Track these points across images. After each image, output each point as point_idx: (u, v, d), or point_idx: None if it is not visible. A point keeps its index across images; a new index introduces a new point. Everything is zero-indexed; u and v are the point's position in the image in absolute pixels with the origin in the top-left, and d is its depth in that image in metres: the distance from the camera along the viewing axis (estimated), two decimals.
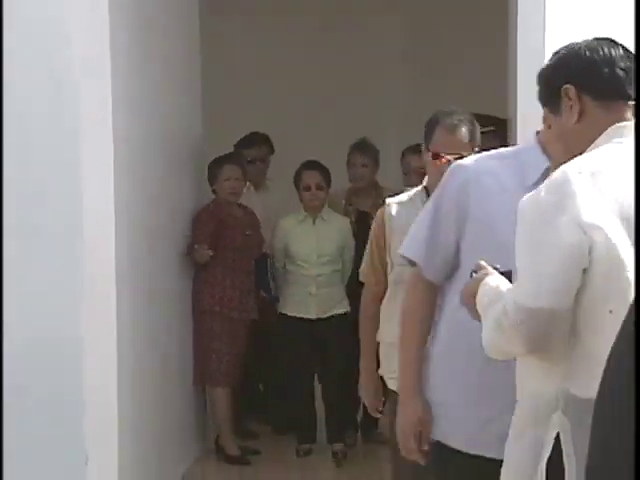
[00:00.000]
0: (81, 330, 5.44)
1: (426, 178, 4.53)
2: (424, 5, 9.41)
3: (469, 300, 3.19)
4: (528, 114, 4.81)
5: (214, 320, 6.65)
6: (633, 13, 3.89)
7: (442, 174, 4.07)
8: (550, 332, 2.86)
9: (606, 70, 2.97)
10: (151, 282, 6.05)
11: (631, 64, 3.05)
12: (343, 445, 6.60)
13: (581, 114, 2.93)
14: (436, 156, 4.35)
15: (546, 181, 2.89)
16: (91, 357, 5.48)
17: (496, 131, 6.09)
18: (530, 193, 2.93)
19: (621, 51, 3.02)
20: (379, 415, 4.59)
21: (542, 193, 2.86)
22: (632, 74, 2.99)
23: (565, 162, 3.02)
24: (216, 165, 6.73)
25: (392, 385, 4.32)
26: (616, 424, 2.24)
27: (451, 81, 8.58)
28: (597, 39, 3.11)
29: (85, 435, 5.44)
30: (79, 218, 5.45)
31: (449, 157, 4.24)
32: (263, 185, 7.47)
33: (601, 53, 3.03)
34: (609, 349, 2.57)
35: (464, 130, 4.35)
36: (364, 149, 6.92)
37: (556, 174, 2.88)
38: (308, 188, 6.62)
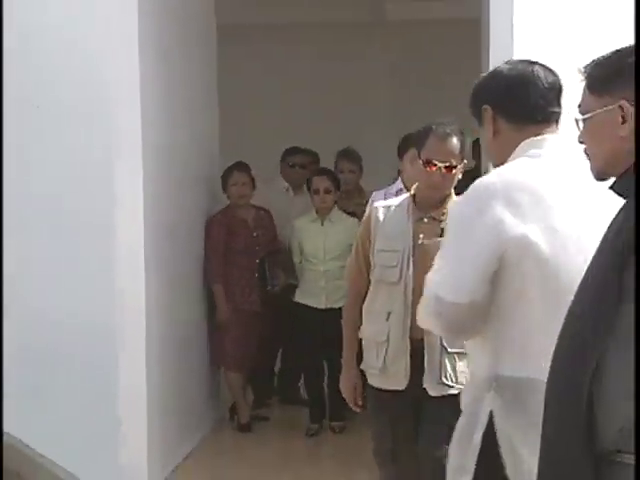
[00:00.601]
0: (116, 316, 5.52)
1: (415, 185, 4.43)
2: (410, 31, 9.16)
3: None
4: None
5: (233, 311, 6.68)
6: (633, 13, 3.58)
7: (432, 181, 4.22)
8: (466, 322, 2.85)
9: (520, 95, 2.93)
10: (174, 275, 6.12)
11: (555, 84, 2.99)
12: (342, 423, 6.58)
13: (495, 132, 2.92)
14: (427, 163, 4.23)
15: (467, 190, 2.88)
16: (124, 338, 5.55)
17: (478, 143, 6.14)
18: (457, 200, 3.01)
19: (542, 74, 2.97)
20: (359, 409, 4.34)
21: (464, 200, 2.87)
22: (555, 93, 2.94)
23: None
24: (226, 173, 6.75)
25: (372, 380, 4.21)
26: (564, 402, 2.29)
27: (434, 95, 8.19)
28: (520, 61, 3.07)
29: (119, 402, 5.53)
30: (112, 225, 5.55)
31: (440, 164, 4.17)
32: (303, 189, 7.26)
33: (518, 79, 2.97)
34: (527, 336, 2.79)
35: (455, 140, 4.20)
36: (350, 156, 6.85)
37: (475, 184, 2.87)
38: (318, 192, 6.52)
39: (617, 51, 2.46)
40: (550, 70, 3.07)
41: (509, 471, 2.80)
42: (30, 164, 6.27)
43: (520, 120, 2.93)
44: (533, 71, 2.94)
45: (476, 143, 5.72)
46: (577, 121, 2.51)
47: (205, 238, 6.69)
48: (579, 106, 2.51)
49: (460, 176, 4.26)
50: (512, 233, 2.70)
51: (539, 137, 2.90)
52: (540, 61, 3.11)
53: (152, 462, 5.67)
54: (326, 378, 6.86)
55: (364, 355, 4.13)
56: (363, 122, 7.59)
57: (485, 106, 2.89)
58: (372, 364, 4.11)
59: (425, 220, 4.20)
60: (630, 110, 2.32)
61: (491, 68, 5.14)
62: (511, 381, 2.80)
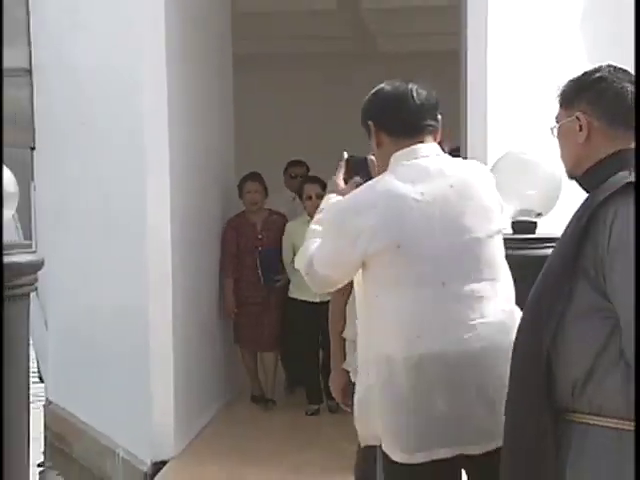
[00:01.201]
0: (149, 302, 5.56)
1: None
2: (401, 57, 8.98)
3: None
4: (475, 144, 5.01)
5: (239, 303, 6.65)
6: (633, 13, 3.55)
7: None
8: (325, 286, 3.11)
9: (396, 112, 2.94)
10: (196, 267, 6.15)
11: (428, 101, 3.00)
12: (337, 402, 6.52)
13: (379, 145, 2.96)
14: None
15: (352, 191, 3.00)
16: (155, 321, 5.58)
17: (452, 155, 6.04)
18: (346, 196, 3.01)
19: (415, 92, 2.96)
20: (348, 409, 3.92)
21: (349, 199, 2.94)
22: (427, 108, 2.95)
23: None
24: (241, 182, 6.73)
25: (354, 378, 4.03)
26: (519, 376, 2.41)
27: None
28: (400, 82, 3.03)
29: (150, 376, 5.57)
30: (145, 227, 5.59)
31: None
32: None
33: (394, 97, 2.97)
34: (383, 325, 2.82)
35: None
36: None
37: (357, 189, 2.96)
38: (310, 197, 6.38)
39: (584, 72, 2.52)
40: (425, 89, 3.07)
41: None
42: (82, 176, 6.41)
43: (396, 134, 2.96)
44: (407, 90, 2.95)
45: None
46: (552, 129, 2.57)
47: (221, 239, 6.68)
48: (555, 118, 2.57)
49: None
50: (380, 239, 2.76)
51: (409, 148, 2.91)
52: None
53: (178, 429, 5.68)
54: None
55: (346, 356, 3.96)
56: (356, 137, 7.57)
57: (369, 122, 2.93)
58: (352, 364, 3.94)
59: None
60: (585, 121, 2.41)
61: (469, 96, 5.14)
62: (393, 360, 2.80)
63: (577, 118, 2.44)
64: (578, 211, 2.41)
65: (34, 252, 3.90)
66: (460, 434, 2.75)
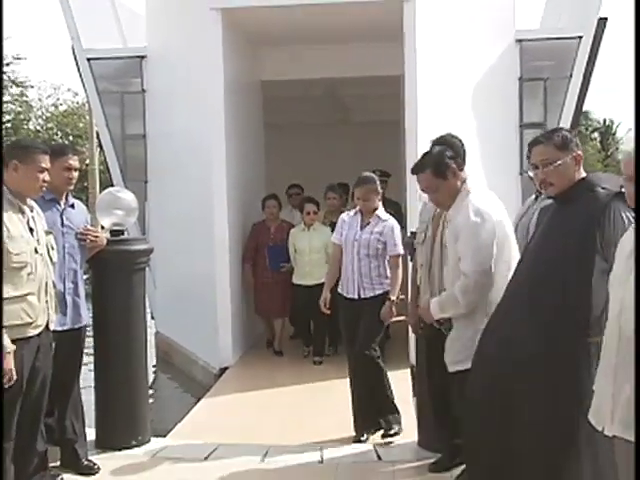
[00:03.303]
0: (215, 271, 5.59)
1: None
2: (367, 124, 8.36)
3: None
4: (412, 185, 4.71)
5: (257, 281, 6.06)
6: (633, 13, 2.87)
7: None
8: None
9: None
10: (239, 249, 5.99)
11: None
12: (321, 358, 5.74)
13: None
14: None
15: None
16: (221, 285, 5.59)
17: (386, 181, 5.83)
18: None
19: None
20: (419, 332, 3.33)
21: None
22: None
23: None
24: (264, 200, 6.13)
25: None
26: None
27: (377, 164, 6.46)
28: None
29: (217, 312, 5.60)
30: (213, 227, 5.60)
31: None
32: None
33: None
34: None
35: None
36: (335, 189, 6.03)
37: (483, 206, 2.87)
38: (309, 213, 5.79)
39: (558, 128, 2.57)
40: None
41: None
42: (175, 196, 6.39)
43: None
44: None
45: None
46: (545, 164, 2.41)
47: (245, 244, 6.10)
48: (544, 158, 2.41)
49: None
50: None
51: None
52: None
53: (234, 348, 5.69)
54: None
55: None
56: (337, 176, 6.46)
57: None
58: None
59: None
60: (581, 158, 2.36)
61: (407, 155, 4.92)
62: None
63: (574, 157, 2.39)
64: (571, 213, 2.33)
65: (147, 242, 3.88)
66: None
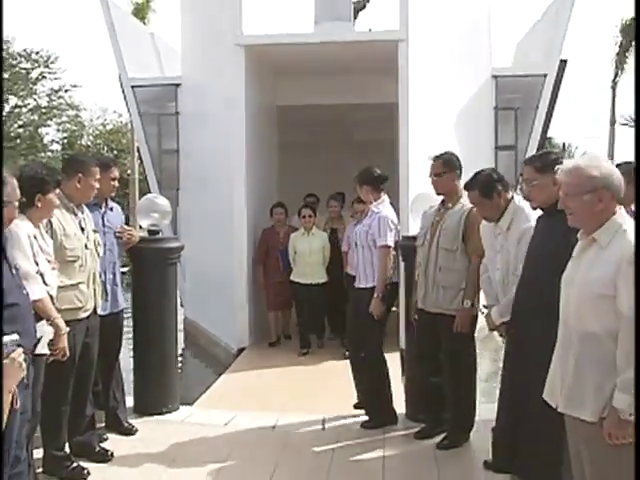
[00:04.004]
0: (234, 265, 5.54)
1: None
2: (366, 143, 7.61)
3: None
4: (403, 190, 4.96)
5: (268, 282, 5.71)
6: (633, 13, 2.60)
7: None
8: None
9: None
10: (253, 252, 5.80)
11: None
12: (306, 350, 5.38)
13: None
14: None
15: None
16: (237, 274, 5.48)
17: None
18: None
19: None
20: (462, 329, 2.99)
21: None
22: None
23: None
24: (272, 208, 5.81)
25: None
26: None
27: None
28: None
29: (236, 302, 5.58)
30: (233, 230, 5.57)
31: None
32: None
33: None
34: None
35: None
36: (336, 198, 5.80)
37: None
38: (304, 217, 5.48)
39: (547, 152, 2.47)
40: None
41: None
42: (202, 201, 6.31)
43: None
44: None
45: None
46: (527, 183, 2.37)
47: (256, 248, 5.77)
48: (526, 177, 2.38)
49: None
50: None
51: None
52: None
53: (251, 332, 5.62)
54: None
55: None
56: (340, 188, 5.90)
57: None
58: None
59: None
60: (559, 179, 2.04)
61: (400, 168, 4.81)
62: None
63: (553, 179, 2.24)
64: (554, 227, 2.23)
65: (178, 241, 3.84)
66: None
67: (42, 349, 2.27)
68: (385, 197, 3.61)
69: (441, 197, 3.18)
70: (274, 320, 5.80)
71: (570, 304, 1.84)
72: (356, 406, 3.67)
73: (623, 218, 1.83)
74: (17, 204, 2.16)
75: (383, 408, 3.48)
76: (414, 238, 3.43)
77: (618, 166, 1.91)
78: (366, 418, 3.50)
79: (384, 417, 3.44)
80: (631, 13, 16.97)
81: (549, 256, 2.29)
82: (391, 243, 3.47)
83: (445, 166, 3.12)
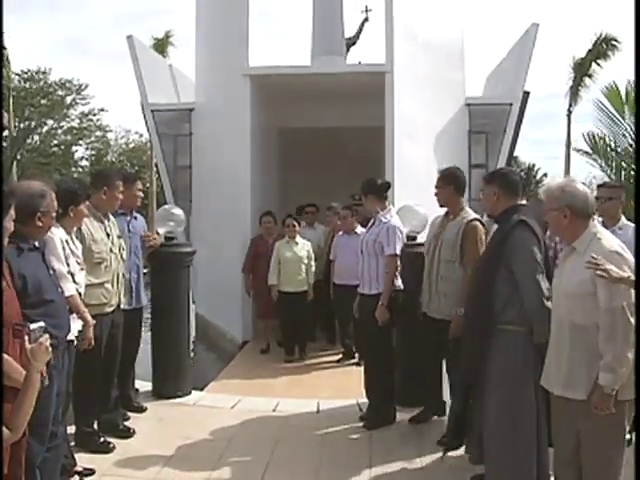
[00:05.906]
0: (237, 269, 5.38)
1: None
2: (358, 158, 7.32)
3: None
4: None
5: (257, 290, 5.24)
6: (633, 13, 2.18)
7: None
8: None
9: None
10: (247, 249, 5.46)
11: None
12: (292, 357, 4.90)
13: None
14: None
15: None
16: (242, 280, 5.41)
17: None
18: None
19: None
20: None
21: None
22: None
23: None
24: (261, 217, 5.33)
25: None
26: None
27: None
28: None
29: (241, 302, 5.47)
30: (240, 232, 5.54)
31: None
32: (314, 225, 5.70)
33: None
34: None
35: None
36: (332, 209, 5.37)
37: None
38: (288, 226, 4.97)
39: (500, 170, 2.42)
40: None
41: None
42: (212, 210, 6.15)
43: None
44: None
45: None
46: (481, 192, 2.37)
47: (246, 255, 5.34)
48: (480, 187, 2.46)
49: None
50: None
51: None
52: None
53: (252, 329, 5.65)
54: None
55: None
56: (335, 199, 5.66)
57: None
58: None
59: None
60: (499, 193, 2.18)
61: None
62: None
63: (494, 192, 2.25)
64: (496, 235, 2.24)
65: (191, 246, 3.85)
66: None
67: (70, 337, 2.32)
68: (391, 207, 3.43)
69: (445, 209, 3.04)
70: (264, 328, 5.33)
71: (561, 305, 1.92)
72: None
73: (596, 228, 1.94)
74: (54, 214, 2.19)
75: (384, 409, 3.26)
76: (406, 245, 3.41)
77: (600, 186, 1.98)
78: (357, 403, 3.45)
79: (384, 418, 3.25)
80: (582, 53, 16.94)
81: (484, 258, 2.35)
82: (399, 252, 3.28)
83: (440, 181, 3.01)
